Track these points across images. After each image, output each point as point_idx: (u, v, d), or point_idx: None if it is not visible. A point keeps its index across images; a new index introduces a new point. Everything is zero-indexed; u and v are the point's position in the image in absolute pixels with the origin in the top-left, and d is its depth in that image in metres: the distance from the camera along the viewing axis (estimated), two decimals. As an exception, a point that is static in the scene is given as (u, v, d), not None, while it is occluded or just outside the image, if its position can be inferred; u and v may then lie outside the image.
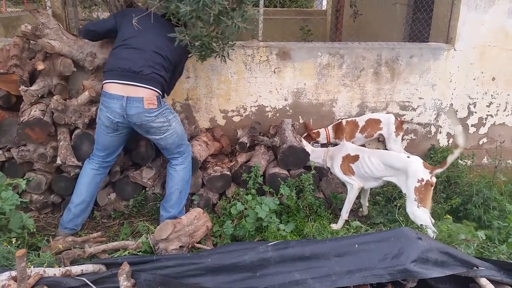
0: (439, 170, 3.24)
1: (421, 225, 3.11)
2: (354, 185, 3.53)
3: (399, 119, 4.33)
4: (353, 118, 4.35)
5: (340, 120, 4.39)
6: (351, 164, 3.57)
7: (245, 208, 3.21)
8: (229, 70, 4.12)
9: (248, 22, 3.13)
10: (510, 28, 4.35)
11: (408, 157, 3.38)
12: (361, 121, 4.29)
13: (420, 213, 3.16)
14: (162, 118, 3.02)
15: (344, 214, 3.55)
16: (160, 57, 3.00)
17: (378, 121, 4.26)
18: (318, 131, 4.36)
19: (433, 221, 3.27)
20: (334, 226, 3.52)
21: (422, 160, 3.31)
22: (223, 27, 3.05)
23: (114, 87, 2.94)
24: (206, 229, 3.09)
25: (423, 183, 3.17)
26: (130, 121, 2.97)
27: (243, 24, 3.06)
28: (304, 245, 2.23)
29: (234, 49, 3.31)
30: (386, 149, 4.25)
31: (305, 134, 4.36)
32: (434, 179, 3.21)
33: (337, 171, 3.62)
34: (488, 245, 3.25)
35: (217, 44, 3.19)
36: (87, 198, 3.25)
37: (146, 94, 2.92)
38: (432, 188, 3.24)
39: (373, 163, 3.43)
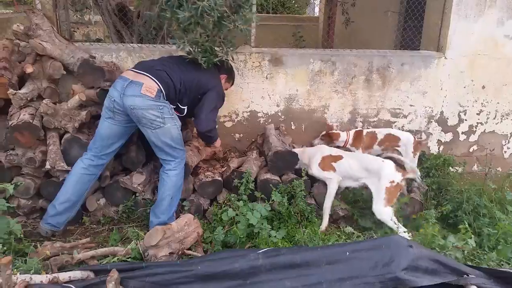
0: (409, 176, 3.55)
1: (394, 224, 3.32)
2: (333, 178, 3.68)
3: (416, 139, 4.28)
4: (373, 130, 4.30)
5: (361, 129, 4.34)
6: (333, 163, 3.75)
7: (237, 215, 3.18)
8: None
9: (247, 25, 3.17)
10: (499, 38, 4.41)
11: (383, 161, 3.62)
12: (380, 134, 4.25)
13: (387, 211, 3.39)
14: (156, 112, 3.02)
15: (327, 209, 3.62)
16: (180, 71, 3.22)
17: (397, 138, 4.22)
18: (339, 133, 4.28)
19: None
20: (322, 227, 3.54)
21: (394, 164, 3.57)
22: (225, 31, 3.06)
23: (127, 72, 3.14)
24: (196, 236, 3.07)
25: (393, 184, 3.44)
26: (125, 103, 2.98)
27: (245, 26, 3.08)
28: (295, 253, 2.22)
29: (236, 53, 3.33)
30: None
31: (323, 133, 4.31)
32: (403, 183, 3.52)
33: (315, 169, 3.79)
34: (478, 252, 3.27)
35: (220, 48, 3.20)
36: (73, 197, 3.19)
37: (147, 82, 3.03)
38: (400, 192, 3.52)
39: (352, 165, 3.68)
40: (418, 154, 4.27)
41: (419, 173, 4.11)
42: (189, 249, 3.00)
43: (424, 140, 4.47)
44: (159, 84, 3.05)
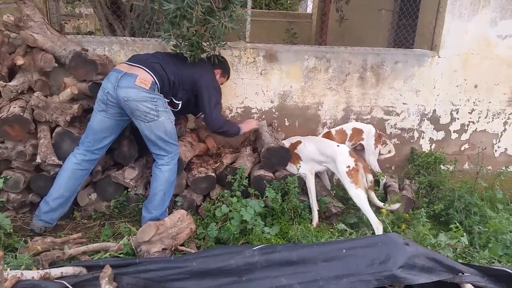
0: (362, 166, 3.60)
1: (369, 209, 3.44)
2: (306, 174, 3.76)
3: (377, 131, 4.29)
4: (340, 127, 4.29)
5: (328, 130, 4.35)
6: (295, 151, 3.86)
7: (230, 211, 3.17)
8: None
9: (236, 22, 3.12)
10: (492, 37, 4.44)
11: (338, 145, 3.74)
12: (348, 129, 4.26)
13: (360, 193, 3.49)
14: (150, 105, 2.99)
15: (313, 205, 3.65)
16: (174, 65, 3.22)
17: (360, 131, 4.25)
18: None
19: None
20: (313, 223, 3.56)
21: (349, 149, 3.70)
22: (210, 27, 3.03)
23: (121, 65, 3.13)
24: (189, 232, 3.04)
25: (350, 168, 3.55)
26: (119, 95, 2.95)
27: (230, 24, 3.04)
28: (291, 250, 2.21)
29: (225, 49, 3.30)
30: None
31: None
32: (358, 166, 3.58)
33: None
34: (470, 250, 3.30)
35: (208, 43, 3.16)
36: (66, 193, 3.16)
37: (142, 73, 3.00)
38: (358, 173, 3.59)
39: (310, 148, 3.81)
40: (379, 147, 4.27)
41: (377, 167, 4.25)
42: (182, 245, 2.97)
43: (385, 135, 4.43)
44: (154, 76, 3.03)
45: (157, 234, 2.75)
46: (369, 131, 4.22)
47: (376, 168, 4.24)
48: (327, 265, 2.14)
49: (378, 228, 3.39)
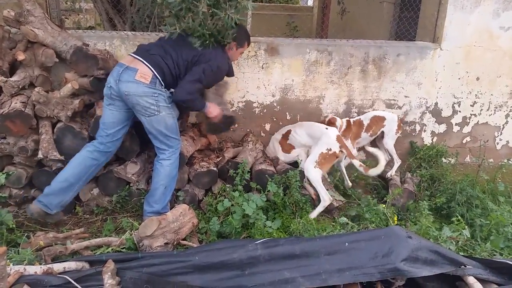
0: (345, 153, 3.72)
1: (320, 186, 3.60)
2: (300, 157, 3.90)
3: (399, 119, 4.38)
4: (358, 117, 4.35)
5: (348, 119, 4.32)
6: (288, 141, 4.02)
7: (232, 205, 3.17)
8: None
9: (241, 14, 3.10)
10: (494, 29, 4.41)
11: (326, 128, 3.84)
12: (366, 119, 4.30)
13: (314, 172, 3.63)
14: (151, 100, 2.99)
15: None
16: (175, 53, 3.11)
17: (382, 119, 4.28)
18: (336, 118, 4.22)
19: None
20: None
21: (338, 134, 3.80)
22: (216, 19, 3.01)
23: (126, 57, 3.14)
24: (191, 226, 3.05)
25: (330, 152, 3.66)
26: (120, 89, 2.96)
27: (236, 15, 3.03)
28: (294, 243, 2.21)
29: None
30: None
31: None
32: (341, 154, 3.71)
33: (282, 156, 4.04)
34: (472, 243, 3.30)
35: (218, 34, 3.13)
36: (71, 178, 3.12)
37: (142, 68, 2.99)
38: (337, 159, 3.78)
39: (299, 133, 3.93)
40: (399, 133, 4.35)
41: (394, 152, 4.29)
42: (184, 239, 2.98)
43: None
44: (153, 70, 3.01)
45: (160, 229, 2.75)
46: (392, 118, 4.28)
47: (393, 152, 4.32)
48: (330, 259, 2.14)
49: (325, 201, 3.59)
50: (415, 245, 2.15)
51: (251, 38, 4.06)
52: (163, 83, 3.07)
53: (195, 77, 3.13)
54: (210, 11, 3.00)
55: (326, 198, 3.59)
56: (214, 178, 3.62)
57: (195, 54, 3.14)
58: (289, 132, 4.02)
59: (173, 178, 3.29)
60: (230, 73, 3.41)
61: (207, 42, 3.14)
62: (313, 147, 3.78)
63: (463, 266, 2.21)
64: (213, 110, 3.36)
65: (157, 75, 3.02)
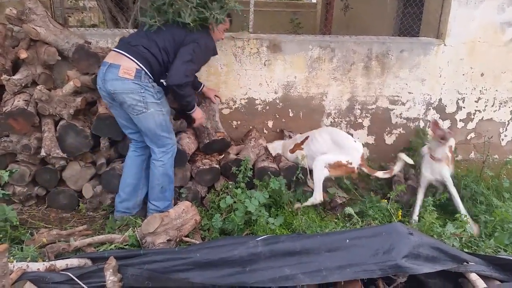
0: (366, 170, 3.70)
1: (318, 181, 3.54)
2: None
3: None
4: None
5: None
6: (301, 149, 3.86)
7: (235, 202, 3.17)
8: (218, 62, 4.05)
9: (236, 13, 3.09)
10: (499, 25, 4.37)
11: (355, 141, 3.74)
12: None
13: (321, 171, 3.56)
14: (137, 96, 2.90)
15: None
16: (160, 38, 3.00)
17: None
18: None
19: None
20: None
21: (363, 152, 3.72)
22: (202, 17, 2.99)
23: (110, 54, 3.02)
24: (194, 223, 3.05)
25: (349, 165, 3.61)
26: (106, 88, 2.91)
27: (222, 16, 3.01)
28: (295, 240, 2.20)
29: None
30: None
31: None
32: (356, 171, 3.65)
33: (289, 155, 3.96)
34: (476, 240, 3.28)
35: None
36: (132, 180, 3.26)
37: (125, 63, 2.89)
38: (347, 174, 3.68)
39: (324, 138, 3.75)
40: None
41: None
42: (187, 236, 2.98)
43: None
44: (138, 63, 2.90)
45: (162, 226, 2.76)
46: None
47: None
48: (330, 255, 2.13)
49: (315, 199, 3.53)
50: (416, 241, 2.13)
51: (254, 34, 4.04)
52: (151, 75, 2.96)
53: (187, 57, 3.00)
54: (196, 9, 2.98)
55: (318, 197, 3.55)
56: (217, 175, 3.62)
57: (181, 35, 3.04)
58: (306, 138, 3.89)
59: (169, 177, 3.25)
60: (215, 52, 3.30)
61: (191, 25, 3.04)
62: (334, 151, 3.66)
63: (465, 263, 2.19)
64: (198, 113, 3.39)
65: (143, 67, 2.90)
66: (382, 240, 2.13)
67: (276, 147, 4.15)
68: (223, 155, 3.76)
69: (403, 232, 2.17)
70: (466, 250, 2.95)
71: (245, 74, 4.16)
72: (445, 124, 4.65)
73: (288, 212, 3.45)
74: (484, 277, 2.17)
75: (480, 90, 4.58)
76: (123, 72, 2.86)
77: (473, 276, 2.15)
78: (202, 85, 3.78)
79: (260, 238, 2.25)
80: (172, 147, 3.21)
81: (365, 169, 3.69)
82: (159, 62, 2.98)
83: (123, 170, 3.30)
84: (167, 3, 2.91)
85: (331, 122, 4.48)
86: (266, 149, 4.05)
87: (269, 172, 3.57)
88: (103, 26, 5.80)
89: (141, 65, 2.90)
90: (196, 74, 3.46)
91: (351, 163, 3.60)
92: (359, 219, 3.33)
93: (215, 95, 3.88)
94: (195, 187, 3.57)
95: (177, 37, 3.03)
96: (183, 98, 3.14)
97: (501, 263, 2.29)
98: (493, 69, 4.50)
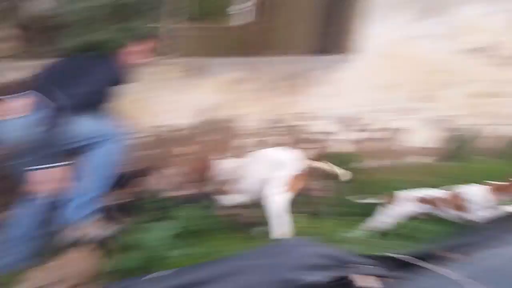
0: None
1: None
2: None
3: None
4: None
5: None
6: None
7: (136, 238, 3.02)
8: (137, 88, 3.66)
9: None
10: (411, 38, 4.58)
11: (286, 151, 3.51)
12: None
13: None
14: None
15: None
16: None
17: None
18: None
19: None
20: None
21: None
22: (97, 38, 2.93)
23: None
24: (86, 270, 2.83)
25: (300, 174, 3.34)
26: None
27: (120, 37, 2.95)
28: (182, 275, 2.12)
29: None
30: None
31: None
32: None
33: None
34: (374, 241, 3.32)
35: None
36: None
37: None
38: None
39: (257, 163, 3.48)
40: None
41: None
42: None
43: None
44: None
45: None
46: None
47: None
48: (224, 283, 2.06)
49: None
50: (307, 252, 2.14)
51: (176, 58, 3.89)
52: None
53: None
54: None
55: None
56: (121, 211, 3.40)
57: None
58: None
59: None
60: (122, 81, 3.09)
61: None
62: (277, 170, 3.35)
63: (354, 265, 2.21)
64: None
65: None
66: (272, 256, 2.12)
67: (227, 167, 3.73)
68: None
69: (293, 244, 2.18)
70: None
71: (162, 101, 4.01)
72: (358, 136, 4.84)
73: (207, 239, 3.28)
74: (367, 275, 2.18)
75: (393, 102, 4.79)
76: None
77: (356, 277, 2.16)
78: None
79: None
80: None
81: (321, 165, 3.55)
82: None
83: None
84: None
85: (255, 142, 4.49)
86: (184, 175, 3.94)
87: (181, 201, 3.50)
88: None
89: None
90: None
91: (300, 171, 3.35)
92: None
93: None
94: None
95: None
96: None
97: (383, 260, 2.35)
98: (406, 81, 4.73)
